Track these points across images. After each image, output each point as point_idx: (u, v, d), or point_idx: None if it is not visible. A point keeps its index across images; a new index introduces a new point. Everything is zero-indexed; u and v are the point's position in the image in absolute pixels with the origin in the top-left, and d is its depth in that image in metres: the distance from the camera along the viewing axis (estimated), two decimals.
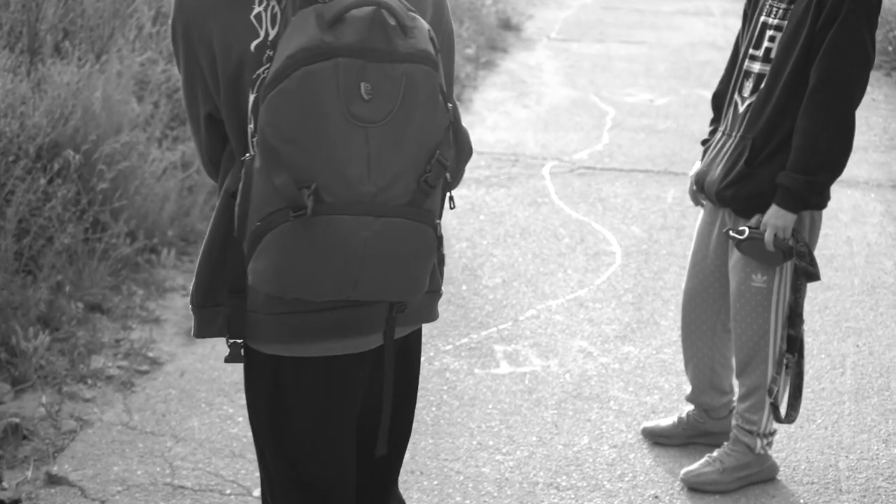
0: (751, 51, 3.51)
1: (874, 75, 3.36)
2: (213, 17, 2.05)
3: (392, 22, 1.96)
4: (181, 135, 6.34)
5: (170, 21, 2.15)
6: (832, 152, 3.33)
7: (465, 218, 6.30)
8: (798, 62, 3.32)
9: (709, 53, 11.41)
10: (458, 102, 2.28)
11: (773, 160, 3.41)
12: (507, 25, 12.43)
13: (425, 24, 2.03)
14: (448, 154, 2.07)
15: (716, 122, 3.75)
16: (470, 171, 5.69)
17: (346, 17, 1.94)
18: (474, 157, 2.68)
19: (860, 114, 3.39)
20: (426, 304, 2.28)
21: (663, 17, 14.30)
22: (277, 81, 1.90)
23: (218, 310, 2.17)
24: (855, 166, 3.41)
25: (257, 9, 2.05)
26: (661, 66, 10.89)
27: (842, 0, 3.22)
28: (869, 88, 3.55)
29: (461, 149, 2.30)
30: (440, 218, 2.13)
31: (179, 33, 2.11)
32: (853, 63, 3.28)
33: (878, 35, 3.45)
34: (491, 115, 8.57)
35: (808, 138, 3.31)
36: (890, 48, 10.60)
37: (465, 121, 2.37)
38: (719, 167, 3.56)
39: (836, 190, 3.38)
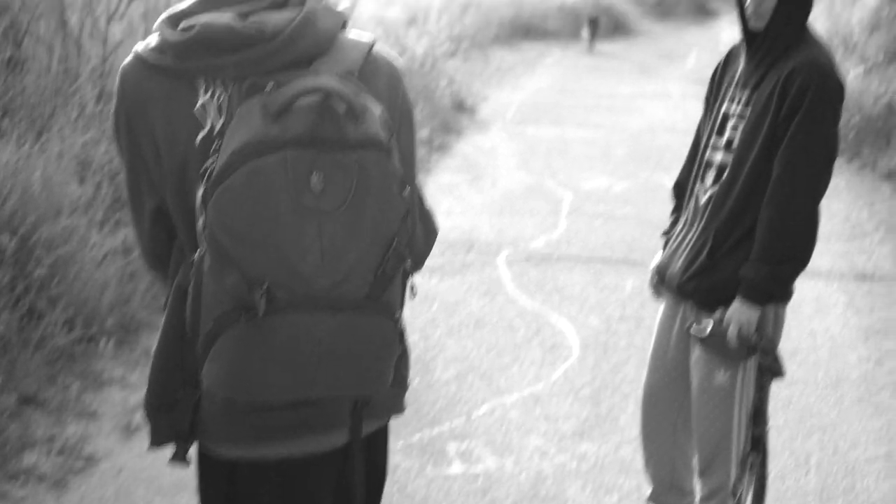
0: (713, 139, 3.49)
1: (836, 162, 3.34)
2: (155, 108, 2.01)
3: (342, 108, 1.92)
4: (123, 218, 6.24)
5: (112, 109, 2.10)
6: (797, 245, 3.31)
7: (417, 308, 6.23)
8: (761, 152, 3.30)
9: (668, 137, 11.52)
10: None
11: (736, 252, 3.38)
12: (461, 107, 12.51)
13: (377, 108, 1.99)
14: (406, 241, 2.02)
15: (677, 212, 3.72)
16: None
17: (294, 106, 1.90)
18: None
19: (822, 202, 3.38)
20: (392, 397, 2.22)
21: (621, 100, 14.47)
22: (223, 178, 1.85)
23: (173, 413, 2.08)
24: (818, 256, 3.37)
25: (202, 99, 2.00)
26: (619, 151, 10.98)
27: (806, 89, 3.21)
28: None
29: (427, 230, 2.27)
30: (401, 308, 2.08)
31: (122, 123, 2.06)
32: (818, 154, 3.26)
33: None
34: (445, 199, 8.57)
35: (772, 230, 3.28)
36: (850, 135, 10.75)
37: None
38: (681, 259, 3.52)
39: (798, 281, 3.36)
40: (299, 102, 1.90)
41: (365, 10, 14.31)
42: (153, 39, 2.04)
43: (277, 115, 1.88)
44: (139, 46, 2.06)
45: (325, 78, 1.94)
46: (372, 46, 2.11)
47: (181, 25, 2.00)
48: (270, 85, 1.93)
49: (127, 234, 6.05)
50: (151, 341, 5.31)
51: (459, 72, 15.08)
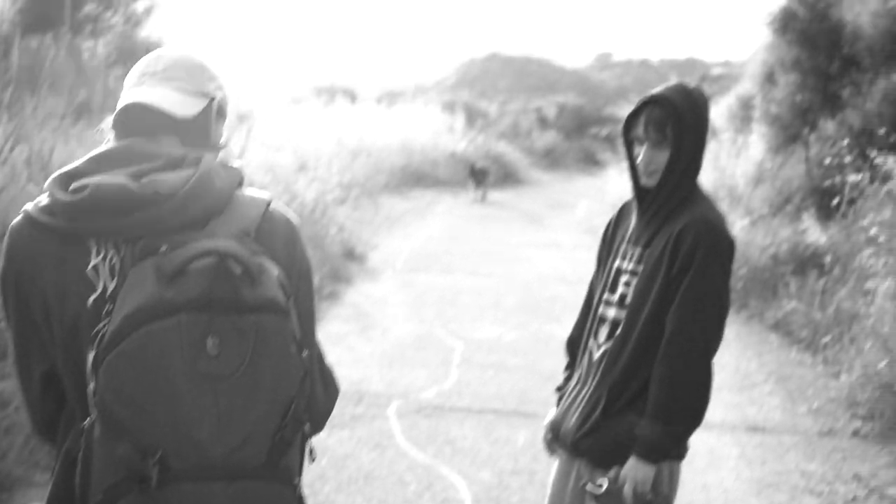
0: (606, 295, 3.55)
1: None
2: (46, 269, 1.99)
3: (238, 270, 1.91)
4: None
5: None
6: (691, 403, 3.34)
7: (305, 462, 6.12)
8: (654, 309, 3.36)
9: (558, 287, 11.68)
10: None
11: (631, 410, 3.40)
12: (351, 255, 12.57)
13: (274, 269, 1.99)
14: (304, 405, 2.01)
15: (570, 367, 3.75)
16: None
17: (188, 269, 1.89)
18: None
19: None
20: None
21: (511, 250, 14.67)
22: (115, 343, 1.83)
23: None
24: (710, 408, 3.41)
25: (94, 260, 1.98)
26: (510, 300, 11.07)
27: (696, 247, 3.28)
28: None
29: (328, 389, 2.26)
30: (300, 474, 2.06)
31: (10, 284, 2.03)
32: (709, 312, 3.32)
33: None
34: (334, 349, 8.51)
35: (666, 388, 3.31)
36: (738, 286, 11.02)
37: None
38: (575, 416, 3.54)
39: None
40: (194, 265, 1.89)
41: (255, 156, 14.39)
42: (43, 199, 2.02)
43: (172, 278, 1.87)
44: (29, 206, 2.04)
45: (221, 240, 1.93)
46: (269, 204, 2.12)
47: (72, 186, 1.98)
48: (164, 247, 1.92)
49: (3, 387, 5.87)
50: (27, 499, 5.13)
51: (350, 219, 15.20)
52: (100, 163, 2.03)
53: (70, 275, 1.98)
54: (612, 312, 3.50)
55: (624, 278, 3.49)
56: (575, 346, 3.75)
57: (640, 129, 3.41)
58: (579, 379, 3.60)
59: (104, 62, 14.17)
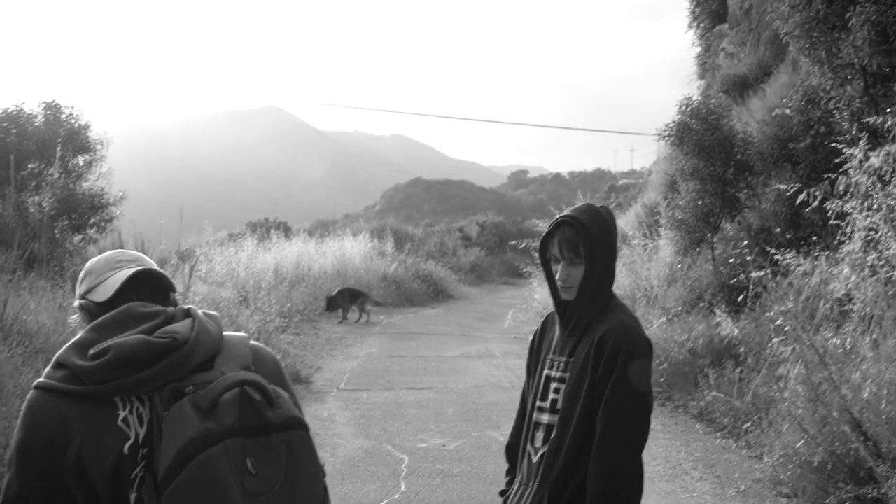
0: (538, 402, 3.61)
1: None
2: (79, 433, 2.06)
3: (257, 397, 2.07)
4: None
5: (13, 447, 2.10)
6: (627, 495, 3.37)
7: None
8: (583, 411, 3.42)
9: (495, 394, 11.71)
10: None
11: None
12: (297, 379, 12.51)
13: (284, 392, 2.18)
14: None
15: (512, 472, 3.80)
16: None
17: (220, 401, 2.04)
18: None
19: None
20: None
21: (447, 362, 14.69)
22: (173, 476, 1.95)
23: None
24: (644, 498, 3.47)
25: (123, 413, 2.08)
26: (450, 410, 11.08)
27: (616, 352, 3.37)
28: None
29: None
30: None
31: (37, 457, 2.07)
32: (635, 409, 3.37)
33: None
34: None
35: (600, 485, 3.35)
36: (661, 380, 11.16)
37: None
38: None
39: None
40: (224, 397, 2.05)
41: (199, 290, 14.38)
42: (57, 371, 2.10)
43: (209, 412, 2.01)
44: (43, 380, 2.12)
45: (241, 373, 2.11)
46: (248, 339, 2.29)
47: (91, 352, 2.08)
48: (190, 387, 2.06)
49: None
50: None
51: (292, 345, 15.17)
52: (112, 329, 2.15)
53: (103, 430, 2.07)
54: (545, 418, 3.57)
55: (553, 385, 3.57)
56: (514, 451, 3.80)
57: (555, 249, 3.54)
58: (521, 482, 3.65)
59: (48, 215, 14.15)
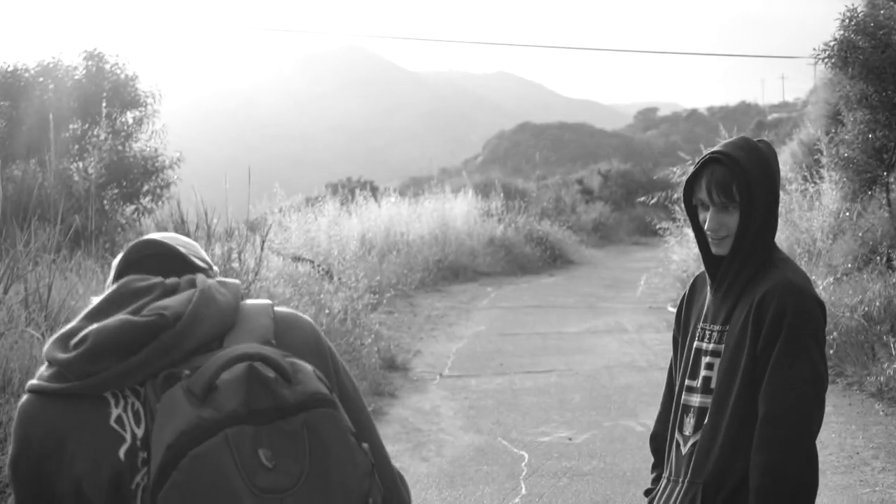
0: (687, 382, 3.54)
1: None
2: (69, 439, 2.02)
3: (270, 374, 1.96)
4: None
5: (7, 463, 2.10)
6: (799, 488, 3.29)
7: None
8: (742, 390, 3.33)
9: (629, 376, 11.63)
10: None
11: None
12: (392, 365, 12.57)
13: (307, 364, 2.04)
14: (380, 501, 2.05)
15: (658, 466, 3.74)
16: None
17: (218, 383, 1.94)
18: None
19: None
20: None
21: (570, 339, 14.63)
22: (164, 477, 1.88)
23: None
24: (816, 495, 3.38)
25: (116, 411, 2.03)
26: (575, 397, 11.03)
27: (782, 315, 3.27)
28: None
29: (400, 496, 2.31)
30: None
31: (30, 471, 2.06)
32: (805, 387, 3.27)
33: None
34: None
35: (769, 476, 3.26)
36: (830, 352, 10.95)
37: None
38: None
39: None
40: (223, 377, 1.95)
41: (272, 267, 14.51)
42: (44, 369, 2.08)
43: (204, 396, 1.92)
44: (33, 382, 2.09)
45: (244, 345, 1.99)
46: (273, 307, 2.19)
47: (71, 342, 2.04)
48: (186, 372, 1.97)
49: None
50: None
51: (385, 325, 15.25)
52: (97, 314, 2.10)
53: (95, 434, 2.02)
54: (696, 400, 3.49)
55: (705, 360, 3.48)
56: (660, 442, 3.73)
57: (703, 193, 3.43)
58: (669, 478, 3.59)
59: (95, 183, 14.33)
